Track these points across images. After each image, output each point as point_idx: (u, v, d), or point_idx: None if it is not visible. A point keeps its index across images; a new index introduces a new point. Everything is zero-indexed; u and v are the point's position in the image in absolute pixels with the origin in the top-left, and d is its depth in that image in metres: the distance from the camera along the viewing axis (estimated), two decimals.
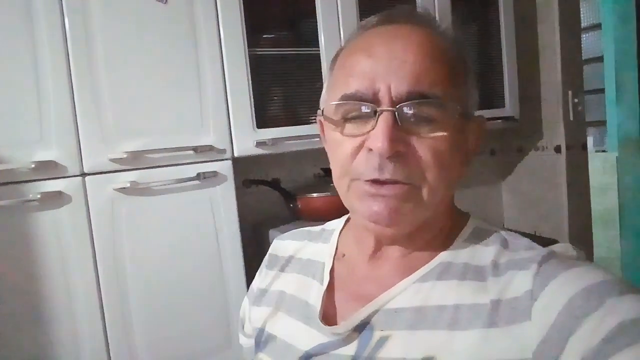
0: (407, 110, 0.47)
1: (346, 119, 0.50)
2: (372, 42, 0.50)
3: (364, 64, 0.49)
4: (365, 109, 0.48)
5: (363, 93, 0.48)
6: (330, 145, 0.54)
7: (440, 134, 0.48)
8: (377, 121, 0.47)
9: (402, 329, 0.48)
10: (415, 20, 0.51)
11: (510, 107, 1.68)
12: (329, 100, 0.54)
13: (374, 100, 0.47)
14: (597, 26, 2.78)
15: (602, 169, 2.69)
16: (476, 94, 0.54)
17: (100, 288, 1.10)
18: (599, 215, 2.52)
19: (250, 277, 1.23)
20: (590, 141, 2.84)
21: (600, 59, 2.72)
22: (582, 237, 1.76)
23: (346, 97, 0.49)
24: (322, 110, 0.54)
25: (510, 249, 0.50)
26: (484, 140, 0.56)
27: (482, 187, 1.99)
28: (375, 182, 0.48)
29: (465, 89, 0.52)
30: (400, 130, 0.47)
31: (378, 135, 0.46)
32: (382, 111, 0.47)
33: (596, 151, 2.84)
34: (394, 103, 0.47)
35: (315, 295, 0.57)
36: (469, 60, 0.54)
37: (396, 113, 0.46)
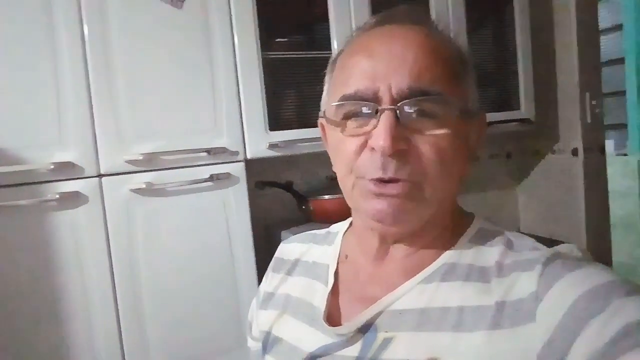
0: (408, 108, 0.47)
1: (347, 119, 0.50)
2: (371, 43, 0.50)
3: (364, 64, 0.49)
4: (365, 109, 0.48)
5: (363, 92, 0.48)
6: (333, 145, 0.54)
7: (442, 131, 0.47)
8: (378, 120, 0.47)
9: (406, 330, 0.48)
10: (413, 20, 0.52)
11: (525, 109, 1.66)
12: (329, 102, 0.54)
13: (375, 99, 0.47)
14: (618, 27, 2.72)
15: (622, 172, 2.63)
16: (476, 92, 0.53)
17: (115, 286, 1.13)
18: (619, 220, 2.47)
19: (261, 277, 1.23)
20: (611, 145, 2.77)
21: (621, 60, 2.66)
22: (599, 242, 1.72)
23: (346, 98, 0.49)
24: (324, 112, 0.55)
25: (514, 250, 0.49)
26: (485, 137, 0.56)
27: (498, 190, 1.96)
28: (378, 181, 0.48)
29: (465, 86, 0.51)
30: (401, 128, 0.47)
31: (380, 133, 0.46)
32: (383, 110, 0.47)
33: (617, 155, 2.77)
34: (394, 101, 0.47)
35: (320, 298, 0.57)
36: (469, 58, 0.54)
37: (397, 111, 0.47)
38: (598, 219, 1.72)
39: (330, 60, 0.57)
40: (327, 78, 0.57)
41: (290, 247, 0.69)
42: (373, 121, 0.47)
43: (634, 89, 2.60)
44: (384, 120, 0.46)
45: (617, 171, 2.56)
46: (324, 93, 0.57)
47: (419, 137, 0.47)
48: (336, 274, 0.59)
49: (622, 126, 2.73)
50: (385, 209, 0.48)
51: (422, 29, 0.51)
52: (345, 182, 0.52)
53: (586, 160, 1.68)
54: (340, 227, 0.66)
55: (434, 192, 0.48)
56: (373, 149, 0.47)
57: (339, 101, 0.50)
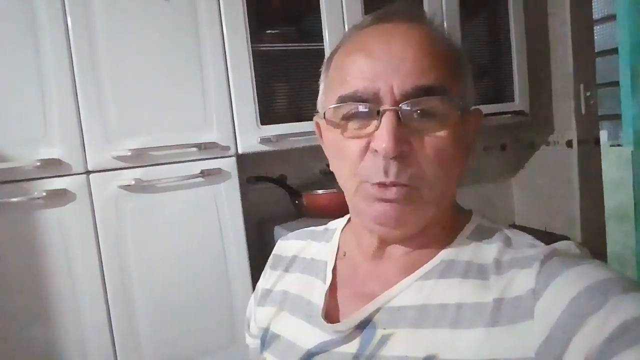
0: (410, 108, 0.46)
1: (346, 120, 0.50)
2: (368, 42, 0.49)
3: (362, 64, 0.48)
4: (365, 109, 0.47)
5: (362, 93, 0.47)
6: (332, 146, 0.53)
7: (444, 131, 0.47)
8: (380, 121, 0.46)
9: (404, 327, 0.48)
10: (410, 18, 0.51)
11: (520, 101, 1.65)
12: (326, 102, 0.53)
13: (375, 99, 0.47)
14: (611, 17, 2.72)
15: (616, 163, 2.63)
16: (473, 89, 0.53)
17: (105, 284, 1.11)
18: (613, 211, 2.47)
19: (254, 273, 1.23)
20: (604, 135, 2.78)
21: (615, 50, 2.66)
22: (594, 234, 1.72)
23: (345, 98, 0.49)
24: (323, 114, 0.53)
25: (512, 247, 0.49)
26: (480, 133, 0.56)
27: (493, 182, 1.96)
28: (381, 185, 0.47)
29: (464, 84, 0.51)
30: (403, 128, 0.46)
31: (383, 135, 0.45)
32: (384, 110, 0.46)
33: (611, 145, 2.78)
34: (396, 102, 0.46)
35: (318, 294, 0.58)
36: (465, 54, 0.53)
37: (399, 112, 0.46)
38: (593, 210, 1.72)
39: (325, 59, 0.56)
40: (322, 77, 0.57)
41: (288, 244, 0.70)
42: (374, 122, 0.47)
43: (627, 79, 2.59)
44: (386, 122, 0.46)
45: (611, 162, 2.57)
46: (320, 92, 0.57)
47: (420, 138, 0.47)
48: (334, 270, 0.59)
49: (616, 117, 2.73)
50: (387, 212, 0.48)
51: (420, 26, 0.50)
52: (347, 185, 0.52)
53: (581, 152, 1.68)
54: (338, 223, 0.67)
55: (434, 194, 0.49)
56: (376, 151, 0.46)
57: (337, 102, 0.49)
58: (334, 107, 0.50)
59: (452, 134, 0.48)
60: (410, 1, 0.55)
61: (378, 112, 0.46)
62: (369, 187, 0.48)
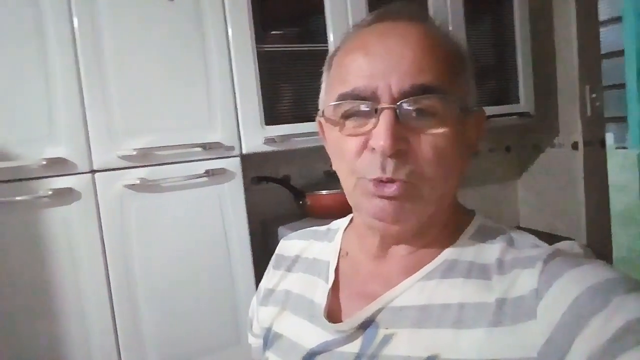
0: (409, 106, 0.46)
1: (346, 118, 0.50)
2: (367, 40, 0.50)
3: (361, 62, 0.48)
4: (364, 107, 0.48)
5: (361, 91, 0.47)
6: (333, 144, 0.54)
7: (442, 129, 0.47)
8: (378, 119, 0.46)
9: (406, 327, 0.48)
10: (410, 17, 0.51)
11: (525, 102, 1.65)
12: (327, 100, 0.53)
13: (373, 98, 0.47)
14: (618, 19, 2.70)
15: (622, 166, 2.62)
16: (475, 88, 0.53)
17: (109, 283, 1.11)
18: (619, 214, 2.46)
19: (258, 273, 1.23)
20: (610, 138, 2.76)
21: (621, 52, 2.64)
22: (599, 236, 1.71)
23: (344, 96, 0.49)
24: (323, 112, 0.54)
25: (515, 247, 0.49)
26: (484, 133, 0.55)
27: (498, 184, 1.95)
28: (378, 181, 0.47)
29: (464, 83, 0.51)
30: (401, 127, 0.46)
31: (380, 133, 0.45)
32: (382, 109, 0.46)
33: (616, 148, 2.76)
34: (394, 100, 0.46)
35: (320, 294, 0.58)
36: (466, 53, 0.53)
37: (397, 110, 0.46)
38: (598, 213, 1.71)
39: (327, 58, 0.57)
40: (324, 76, 0.57)
41: (291, 244, 0.70)
42: (372, 120, 0.47)
43: (633, 81, 2.58)
44: (384, 120, 0.46)
45: (616, 164, 2.55)
46: (322, 92, 0.57)
47: (418, 136, 0.47)
48: (337, 270, 0.59)
49: (622, 119, 2.72)
50: (385, 207, 0.48)
51: (420, 25, 0.50)
52: (346, 182, 0.52)
53: (586, 154, 1.67)
54: (340, 223, 0.67)
55: (433, 192, 0.48)
56: (373, 149, 0.47)
57: (336, 100, 0.50)
58: (334, 104, 0.50)
59: (451, 133, 0.47)
60: (413, 0, 0.55)
61: (376, 110, 0.46)
62: (367, 183, 0.48)
